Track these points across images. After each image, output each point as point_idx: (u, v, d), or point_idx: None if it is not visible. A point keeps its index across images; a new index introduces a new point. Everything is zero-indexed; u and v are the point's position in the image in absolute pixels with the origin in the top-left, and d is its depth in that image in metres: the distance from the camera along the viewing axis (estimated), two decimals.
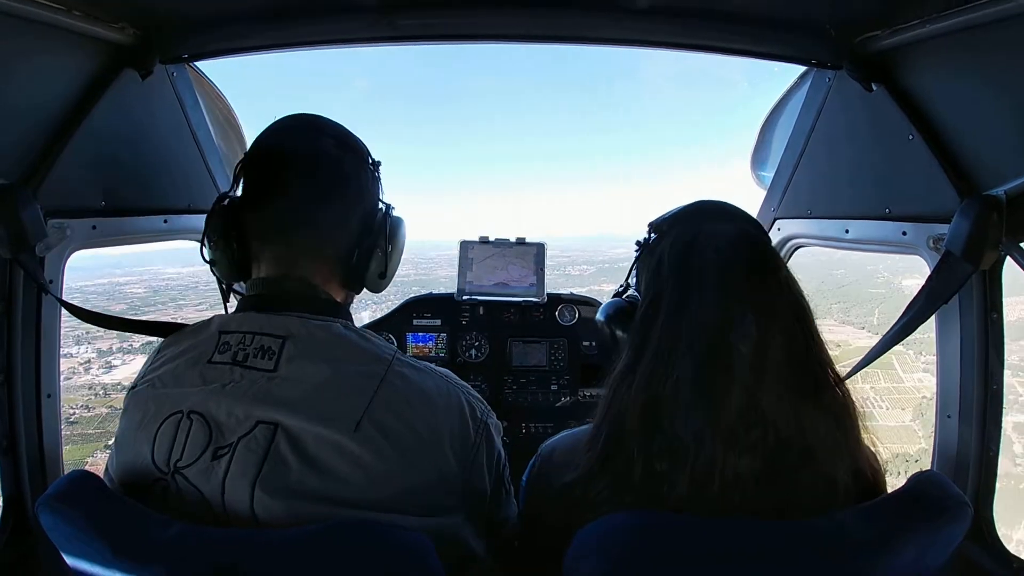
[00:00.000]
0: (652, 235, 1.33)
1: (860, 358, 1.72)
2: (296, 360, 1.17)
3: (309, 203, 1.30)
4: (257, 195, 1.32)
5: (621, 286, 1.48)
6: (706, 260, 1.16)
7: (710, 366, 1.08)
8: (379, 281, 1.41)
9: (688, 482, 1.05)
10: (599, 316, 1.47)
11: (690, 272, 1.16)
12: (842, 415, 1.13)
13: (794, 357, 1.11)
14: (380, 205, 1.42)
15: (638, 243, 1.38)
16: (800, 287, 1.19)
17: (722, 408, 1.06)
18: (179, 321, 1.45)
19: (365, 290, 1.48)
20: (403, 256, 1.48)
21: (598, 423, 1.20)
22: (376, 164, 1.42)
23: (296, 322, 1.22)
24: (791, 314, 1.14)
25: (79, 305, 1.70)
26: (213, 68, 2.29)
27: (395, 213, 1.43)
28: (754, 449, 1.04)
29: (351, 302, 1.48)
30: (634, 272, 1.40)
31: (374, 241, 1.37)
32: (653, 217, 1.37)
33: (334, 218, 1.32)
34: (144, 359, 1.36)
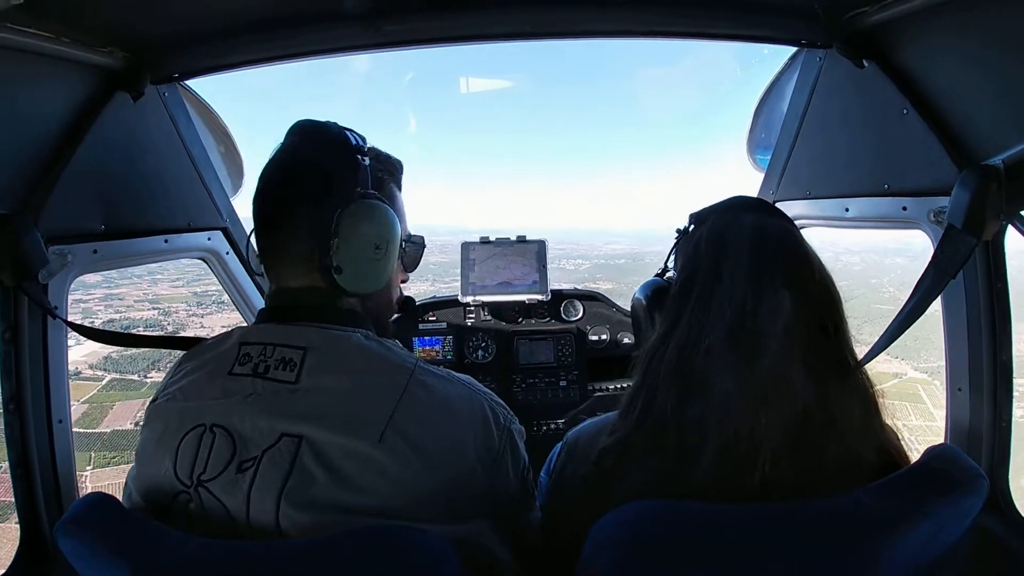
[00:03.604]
0: (691, 224, 1.35)
1: (873, 344, 1.71)
2: (318, 372, 1.17)
3: (290, 214, 1.31)
4: (255, 213, 1.35)
5: (660, 270, 1.51)
6: (742, 241, 1.19)
7: (740, 335, 1.11)
8: (349, 280, 1.29)
9: (717, 451, 1.07)
10: (637, 294, 1.50)
11: (726, 250, 1.19)
12: (866, 396, 1.15)
13: (825, 336, 1.13)
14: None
15: (678, 231, 1.40)
16: (831, 277, 1.21)
17: (751, 373, 1.08)
18: (185, 333, 1.45)
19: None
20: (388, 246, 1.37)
21: (633, 392, 1.22)
22: (364, 152, 1.36)
23: (316, 333, 1.23)
24: (822, 298, 1.16)
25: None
26: (205, 84, 2.30)
27: (375, 201, 1.33)
28: (782, 417, 1.06)
29: (382, 313, 1.46)
30: (672, 258, 1.43)
31: (331, 236, 1.27)
32: (650, 213, 1.40)
33: (312, 222, 1.28)
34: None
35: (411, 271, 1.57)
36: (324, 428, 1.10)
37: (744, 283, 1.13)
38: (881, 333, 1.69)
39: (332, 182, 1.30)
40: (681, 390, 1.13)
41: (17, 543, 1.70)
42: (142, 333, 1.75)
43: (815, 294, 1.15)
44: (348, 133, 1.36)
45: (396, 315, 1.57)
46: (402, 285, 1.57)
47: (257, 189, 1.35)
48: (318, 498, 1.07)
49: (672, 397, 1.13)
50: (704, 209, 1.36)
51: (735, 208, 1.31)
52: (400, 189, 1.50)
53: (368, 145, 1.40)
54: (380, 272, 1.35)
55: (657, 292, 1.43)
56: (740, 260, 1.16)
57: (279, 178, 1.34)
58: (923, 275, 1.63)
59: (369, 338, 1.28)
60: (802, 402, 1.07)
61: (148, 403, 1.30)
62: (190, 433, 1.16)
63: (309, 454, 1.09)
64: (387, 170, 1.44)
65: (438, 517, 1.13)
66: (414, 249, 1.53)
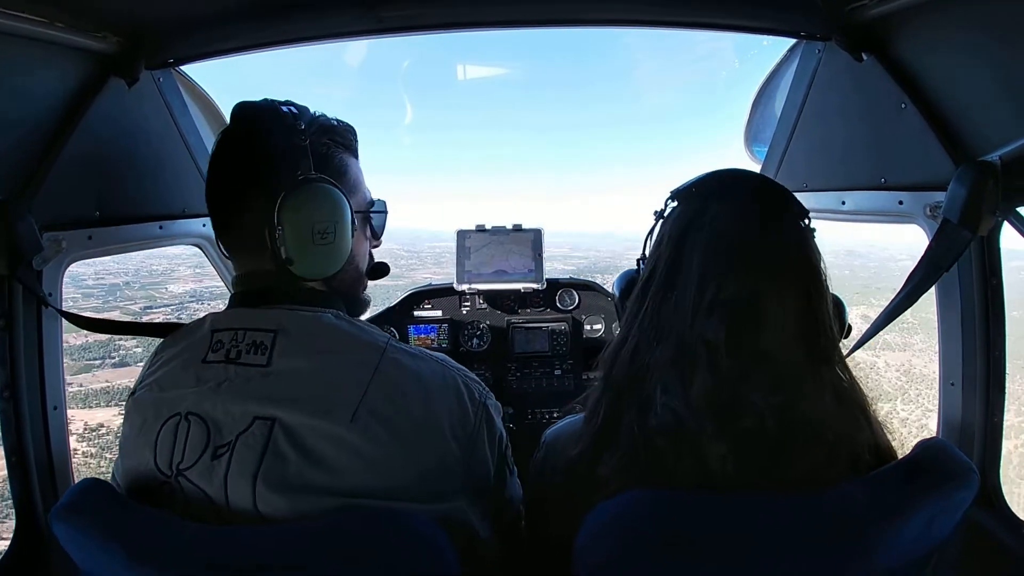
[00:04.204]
0: (668, 203, 1.27)
1: (862, 333, 1.72)
2: (288, 353, 1.16)
3: (236, 205, 1.31)
4: (207, 202, 1.35)
5: (639, 256, 1.39)
6: (697, 242, 1.13)
7: (684, 354, 1.08)
8: (302, 269, 1.27)
9: (679, 462, 1.05)
10: (613, 286, 1.46)
11: (682, 253, 1.14)
12: (846, 394, 1.12)
13: (797, 340, 1.09)
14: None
15: (655, 213, 1.30)
16: (814, 269, 1.14)
17: (695, 393, 1.05)
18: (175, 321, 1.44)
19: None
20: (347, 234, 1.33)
21: (597, 397, 1.20)
22: (301, 128, 1.29)
23: (285, 315, 1.23)
24: (790, 303, 1.10)
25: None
26: (200, 70, 2.29)
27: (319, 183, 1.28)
28: (740, 431, 1.04)
29: (351, 289, 1.44)
30: (650, 242, 1.33)
31: (275, 228, 1.24)
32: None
33: (258, 214, 1.25)
34: None
35: (379, 238, 1.53)
36: (296, 410, 1.10)
37: (693, 295, 1.09)
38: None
39: (268, 170, 1.27)
40: (640, 401, 1.10)
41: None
42: (133, 321, 1.74)
43: (776, 297, 1.09)
44: (283, 110, 1.31)
45: (367, 284, 1.53)
46: (374, 251, 1.54)
47: (207, 179, 1.34)
48: (293, 480, 1.07)
49: (633, 408, 1.11)
50: (684, 185, 1.26)
51: (708, 191, 1.21)
52: (356, 155, 1.44)
53: (314, 114, 1.36)
54: (332, 256, 1.31)
55: (629, 284, 1.34)
56: (691, 267, 1.11)
57: (220, 168, 1.33)
58: (915, 268, 1.63)
59: (340, 318, 1.27)
60: (755, 418, 1.03)
61: (128, 397, 1.30)
62: (167, 423, 1.16)
63: (282, 436, 1.09)
64: (334, 141, 1.37)
65: (417, 496, 1.13)
66: (377, 217, 1.49)
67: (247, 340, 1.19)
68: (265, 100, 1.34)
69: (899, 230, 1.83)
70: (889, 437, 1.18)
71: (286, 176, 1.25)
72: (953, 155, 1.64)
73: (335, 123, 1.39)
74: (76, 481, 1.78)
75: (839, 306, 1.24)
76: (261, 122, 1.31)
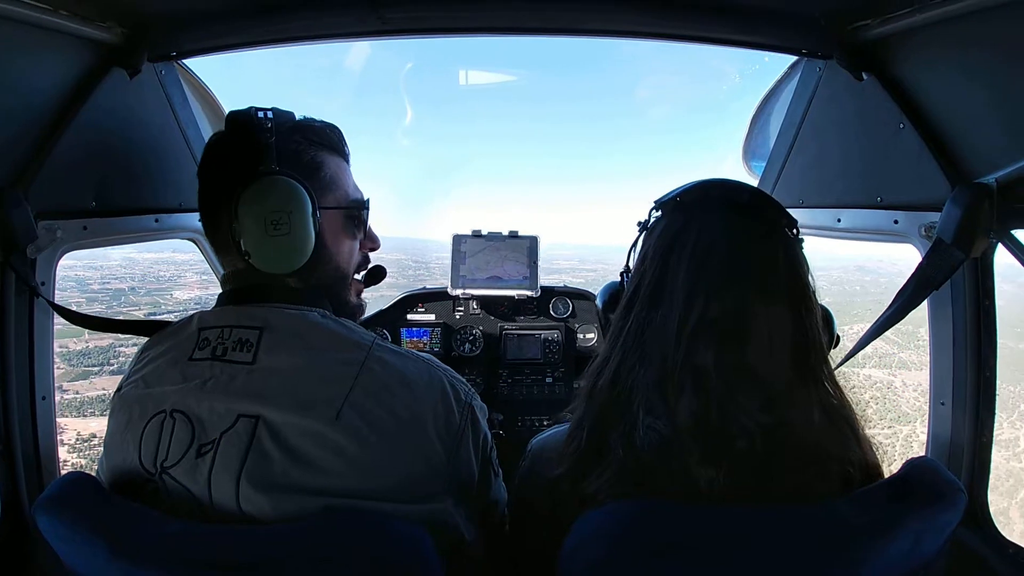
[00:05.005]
0: (652, 214, 1.26)
1: (851, 347, 1.73)
2: (274, 351, 1.17)
3: (210, 203, 1.34)
4: (198, 204, 1.37)
5: (622, 269, 1.37)
6: (683, 258, 1.12)
7: (667, 380, 1.07)
8: (260, 262, 1.26)
9: (678, 475, 1.04)
10: (597, 300, 1.46)
11: (667, 269, 1.13)
12: (835, 411, 1.12)
13: (785, 359, 1.09)
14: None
15: (639, 224, 1.29)
16: (802, 283, 1.14)
17: (679, 412, 1.05)
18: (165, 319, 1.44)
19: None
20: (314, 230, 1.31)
21: (579, 416, 1.19)
22: (267, 128, 1.29)
23: (272, 312, 1.23)
24: (779, 320, 1.10)
25: None
26: (202, 65, 2.28)
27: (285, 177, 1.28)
28: (729, 452, 1.03)
29: (335, 288, 1.41)
30: (631, 257, 1.32)
31: (231, 221, 1.25)
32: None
33: (226, 210, 1.27)
34: None
35: (370, 238, 1.51)
36: (280, 408, 1.10)
37: (679, 316, 1.08)
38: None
39: (232, 167, 1.28)
40: (623, 420, 1.10)
41: None
42: (122, 319, 1.74)
43: (765, 316, 1.08)
44: (259, 113, 1.31)
45: (360, 288, 1.52)
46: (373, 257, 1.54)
47: (198, 184, 1.37)
48: (276, 479, 1.07)
49: (618, 426, 1.10)
50: (668, 195, 1.24)
51: (694, 203, 1.20)
52: (339, 154, 1.43)
53: (298, 118, 1.38)
54: (290, 248, 1.27)
55: (614, 298, 1.33)
56: (677, 283, 1.10)
57: (202, 171, 1.36)
58: (906, 284, 1.64)
59: (325, 316, 1.27)
60: (746, 440, 1.03)
61: (113, 393, 1.29)
62: (152, 420, 1.16)
63: (266, 434, 1.09)
64: (308, 139, 1.37)
65: (400, 496, 1.13)
66: (360, 214, 1.46)
67: (233, 337, 1.19)
68: (249, 108, 1.36)
69: (906, 246, 1.83)
70: (878, 455, 1.17)
71: (244, 172, 1.27)
72: (949, 176, 1.65)
73: (315, 123, 1.40)
74: (62, 473, 1.77)
75: (827, 318, 1.24)
76: (235, 126, 1.35)
